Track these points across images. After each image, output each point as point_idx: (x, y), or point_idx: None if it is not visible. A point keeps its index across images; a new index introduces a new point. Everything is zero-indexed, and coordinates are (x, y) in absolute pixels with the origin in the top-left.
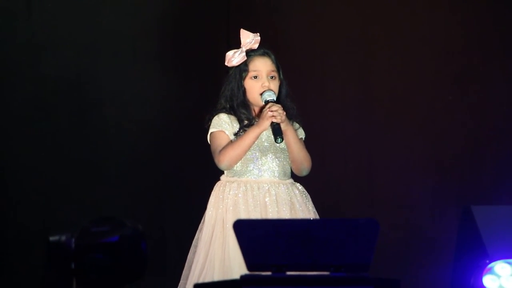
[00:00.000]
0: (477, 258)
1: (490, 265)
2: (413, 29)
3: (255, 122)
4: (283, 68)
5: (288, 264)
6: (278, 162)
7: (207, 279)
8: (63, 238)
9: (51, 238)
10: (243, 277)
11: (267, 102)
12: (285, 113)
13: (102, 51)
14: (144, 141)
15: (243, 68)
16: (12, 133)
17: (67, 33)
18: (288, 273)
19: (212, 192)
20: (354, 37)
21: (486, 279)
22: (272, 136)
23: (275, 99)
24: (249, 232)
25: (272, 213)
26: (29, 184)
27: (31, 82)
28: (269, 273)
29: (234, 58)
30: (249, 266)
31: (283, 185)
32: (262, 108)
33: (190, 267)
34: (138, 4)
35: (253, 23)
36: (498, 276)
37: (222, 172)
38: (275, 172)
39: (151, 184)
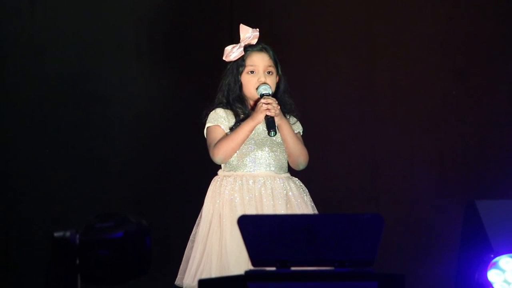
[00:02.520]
0: (481, 252)
1: (494, 260)
2: (417, 24)
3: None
4: (286, 63)
5: (292, 259)
6: (274, 156)
7: (204, 274)
8: (68, 234)
9: (56, 234)
10: (247, 273)
11: (262, 96)
12: (279, 106)
13: (106, 48)
14: (147, 138)
15: (240, 63)
16: (16, 130)
17: (70, 30)
18: (293, 268)
19: (209, 187)
20: (358, 33)
21: (491, 274)
22: None
23: (270, 93)
24: (253, 228)
25: (268, 206)
26: (33, 181)
27: (34, 79)
28: (273, 268)
29: (232, 53)
30: (253, 261)
31: (279, 179)
32: (257, 102)
33: (187, 261)
34: (141, 1)
35: (257, 19)
36: (503, 271)
37: (220, 167)
38: (271, 165)
39: (154, 179)
